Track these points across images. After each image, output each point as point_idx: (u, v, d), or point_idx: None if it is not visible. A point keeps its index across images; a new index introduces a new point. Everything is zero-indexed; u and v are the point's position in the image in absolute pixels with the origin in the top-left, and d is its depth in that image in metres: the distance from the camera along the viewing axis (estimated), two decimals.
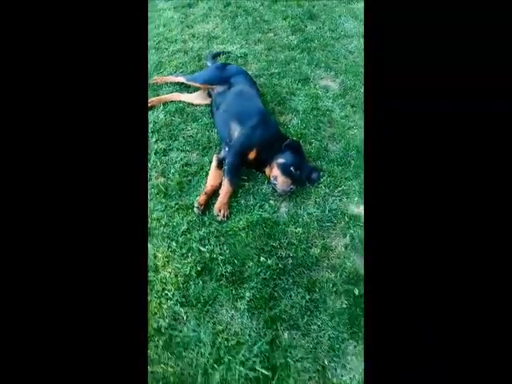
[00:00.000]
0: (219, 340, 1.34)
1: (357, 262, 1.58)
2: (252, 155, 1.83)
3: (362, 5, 2.76)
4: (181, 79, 2.33)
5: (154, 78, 2.38)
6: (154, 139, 2.04)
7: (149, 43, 2.69)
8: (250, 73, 2.36)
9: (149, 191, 1.80)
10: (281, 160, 1.79)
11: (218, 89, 2.16)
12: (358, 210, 1.76)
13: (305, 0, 3.14)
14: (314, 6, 3.08)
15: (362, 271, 1.54)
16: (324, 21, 2.93)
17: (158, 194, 1.79)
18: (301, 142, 1.99)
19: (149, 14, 3.02)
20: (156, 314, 1.40)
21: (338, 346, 1.34)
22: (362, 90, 2.34)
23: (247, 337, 1.35)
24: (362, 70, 2.48)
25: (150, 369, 1.27)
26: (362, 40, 2.71)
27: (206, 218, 1.69)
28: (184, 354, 1.32)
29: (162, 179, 1.85)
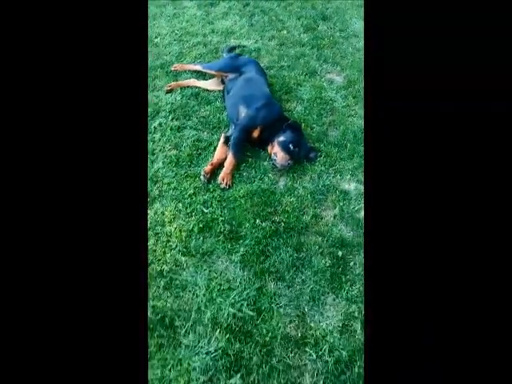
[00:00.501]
0: (213, 284, 1.52)
1: (343, 230, 1.73)
2: (256, 133, 2.02)
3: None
4: (198, 67, 2.56)
5: (174, 66, 2.61)
6: (170, 118, 2.26)
7: (172, 36, 2.94)
8: (262, 65, 2.56)
9: (162, 161, 2.01)
10: (281, 138, 1.97)
11: (230, 76, 2.37)
12: (349, 186, 1.92)
13: (319, 0, 3.34)
14: (327, 8, 3.27)
15: (347, 238, 1.69)
16: (335, 22, 3.11)
17: (170, 163, 2.00)
18: (303, 126, 2.16)
19: (174, 11, 3.28)
20: (160, 260, 1.60)
21: (318, 297, 1.50)
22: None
23: (238, 283, 1.53)
24: None
25: (151, 303, 1.46)
26: None
27: (210, 186, 1.89)
28: (181, 294, 1.50)
29: (174, 151, 2.06)
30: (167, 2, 3.34)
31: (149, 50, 2.82)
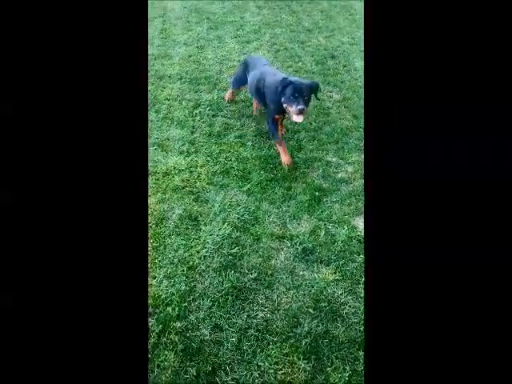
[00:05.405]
0: (226, 201, 2.21)
1: (322, 183, 2.41)
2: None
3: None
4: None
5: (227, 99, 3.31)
6: (207, 109, 3.09)
7: (215, 60, 3.91)
8: None
9: (199, 133, 2.81)
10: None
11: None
12: (332, 159, 2.62)
13: (330, 44, 4.31)
14: (336, 51, 4.20)
15: (324, 187, 2.37)
16: (341, 60, 4.01)
17: (204, 134, 2.79)
18: (304, 123, 2.94)
19: (218, 44, 4.30)
20: (191, 185, 2.32)
21: (297, 215, 2.15)
22: (356, 100, 3.29)
23: (243, 203, 2.21)
24: (360, 90, 3.46)
25: (184, 207, 2.16)
26: None
27: (230, 149, 2.64)
28: (204, 204, 2.20)
29: (208, 128, 2.87)
30: (214, 37, 4.39)
31: (196, 67, 3.77)
